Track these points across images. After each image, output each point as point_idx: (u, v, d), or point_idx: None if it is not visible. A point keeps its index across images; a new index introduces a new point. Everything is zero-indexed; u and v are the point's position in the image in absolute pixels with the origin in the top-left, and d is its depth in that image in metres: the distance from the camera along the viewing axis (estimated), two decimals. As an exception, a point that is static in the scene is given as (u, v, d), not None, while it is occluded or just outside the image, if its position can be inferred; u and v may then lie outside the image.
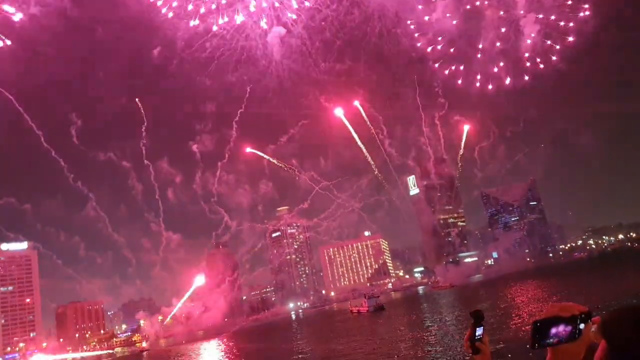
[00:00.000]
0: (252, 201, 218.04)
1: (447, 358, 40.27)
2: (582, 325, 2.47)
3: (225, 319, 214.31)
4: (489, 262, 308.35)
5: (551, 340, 2.47)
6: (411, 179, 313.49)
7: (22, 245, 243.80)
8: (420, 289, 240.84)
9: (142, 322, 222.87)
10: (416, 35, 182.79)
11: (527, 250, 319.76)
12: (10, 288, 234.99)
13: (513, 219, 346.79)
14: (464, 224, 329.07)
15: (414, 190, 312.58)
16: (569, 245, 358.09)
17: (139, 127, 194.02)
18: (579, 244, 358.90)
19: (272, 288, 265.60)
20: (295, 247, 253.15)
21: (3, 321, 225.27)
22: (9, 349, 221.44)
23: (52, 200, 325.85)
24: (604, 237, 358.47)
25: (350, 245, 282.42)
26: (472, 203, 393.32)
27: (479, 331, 3.07)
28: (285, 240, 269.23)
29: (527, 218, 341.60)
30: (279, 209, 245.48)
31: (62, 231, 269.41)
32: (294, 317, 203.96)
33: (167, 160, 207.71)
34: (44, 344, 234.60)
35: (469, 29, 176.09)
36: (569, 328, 2.46)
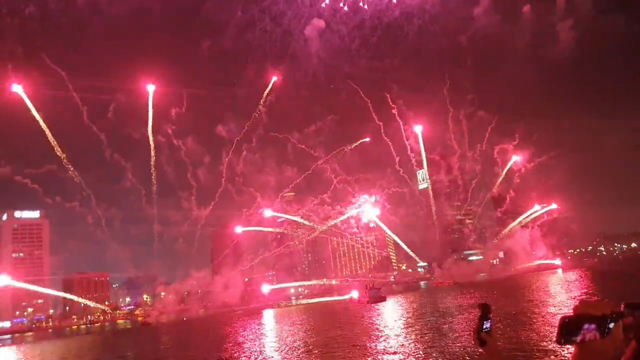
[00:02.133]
0: (277, 184, 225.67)
1: (440, 349, 39.68)
2: (611, 325, 2.40)
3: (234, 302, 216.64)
4: (495, 261, 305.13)
5: (578, 337, 2.39)
6: (420, 173, 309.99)
7: (35, 214, 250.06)
8: (422, 283, 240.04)
9: (145, 296, 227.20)
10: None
11: (534, 253, 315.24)
12: (21, 254, 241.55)
13: (523, 220, 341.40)
14: (471, 221, 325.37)
15: (422, 185, 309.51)
16: (578, 250, 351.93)
17: (172, 109, 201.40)
18: (589, 249, 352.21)
19: (273, 272, 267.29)
20: (301, 234, 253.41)
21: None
22: (17, 312, 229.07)
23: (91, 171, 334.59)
24: (615, 244, 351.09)
25: (354, 236, 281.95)
26: (483, 201, 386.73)
27: (486, 324, 3.12)
28: (290, 226, 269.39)
29: (538, 220, 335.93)
30: (284, 194, 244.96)
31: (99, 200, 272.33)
32: (294, 301, 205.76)
33: (196, 141, 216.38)
34: (51, 311, 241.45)
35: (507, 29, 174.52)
36: (598, 326, 2.37)
